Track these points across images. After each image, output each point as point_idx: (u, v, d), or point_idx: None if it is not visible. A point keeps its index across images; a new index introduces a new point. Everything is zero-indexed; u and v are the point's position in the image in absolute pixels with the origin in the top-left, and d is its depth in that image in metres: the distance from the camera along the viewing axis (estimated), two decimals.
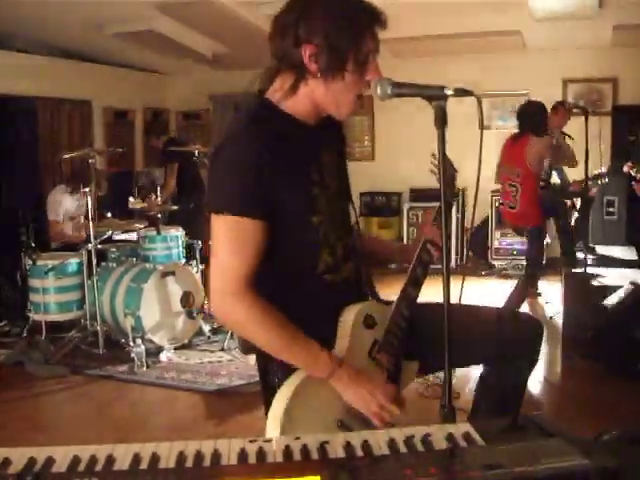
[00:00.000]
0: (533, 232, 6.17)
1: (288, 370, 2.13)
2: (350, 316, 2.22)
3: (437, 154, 1.89)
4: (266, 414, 2.13)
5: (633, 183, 7.24)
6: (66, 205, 6.69)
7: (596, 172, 6.98)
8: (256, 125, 2.08)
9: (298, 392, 2.07)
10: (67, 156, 6.15)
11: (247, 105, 2.25)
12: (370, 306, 2.29)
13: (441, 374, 1.91)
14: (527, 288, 6.37)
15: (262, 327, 2.07)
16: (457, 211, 8.92)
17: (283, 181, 2.05)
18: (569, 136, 6.50)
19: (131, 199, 6.68)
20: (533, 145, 5.93)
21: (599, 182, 7.18)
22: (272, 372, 2.23)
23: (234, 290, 2.04)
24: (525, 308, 6.52)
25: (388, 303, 2.37)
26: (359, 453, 1.43)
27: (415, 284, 2.31)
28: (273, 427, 2.02)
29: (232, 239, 2.03)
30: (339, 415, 2.10)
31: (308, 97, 2.12)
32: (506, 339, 2.34)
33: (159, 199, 6.48)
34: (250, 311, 2.05)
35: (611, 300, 5.05)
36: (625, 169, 7.81)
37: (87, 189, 5.86)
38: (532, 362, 2.42)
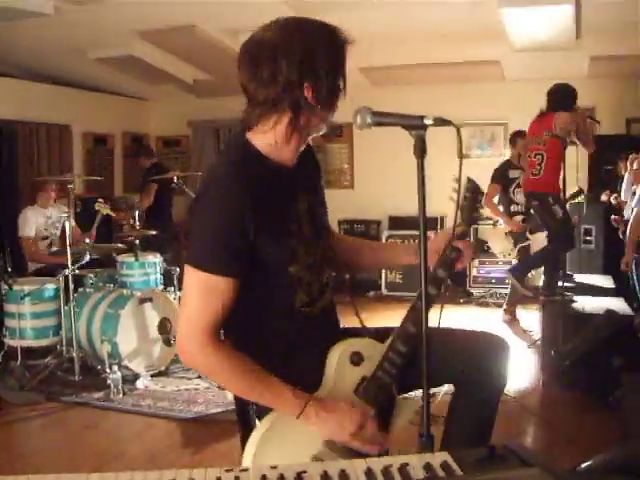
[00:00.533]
0: (555, 197, 6.19)
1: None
2: (335, 354, 2.22)
3: (458, 179, 1.92)
4: (242, 446, 2.14)
5: (612, 217, 7.32)
6: (36, 222, 6.68)
7: (573, 191, 7.07)
8: (240, 177, 2.06)
9: (274, 426, 2.08)
10: (40, 179, 6.15)
11: (230, 149, 2.25)
12: (357, 342, 2.27)
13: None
14: (551, 260, 6.36)
15: (228, 374, 2.08)
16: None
17: (264, 237, 2.05)
18: (596, 120, 6.56)
19: (97, 204, 6.55)
20: (560, 117, 6.03)
21: (578, 200, 7.27)
22: (248, 405, 2.24)
23: (200, 340, 2.04)
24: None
25: (378, 332, 2.37)
26: None
27: (416, 320, 2.21)
28: (248, 460, 2.04)
29: (203, 294, 2.04)
30: (315, 450, 2.09)
31: (303, 131, 2.15)
32: (472, 358, 2.35)
33: (137, 225, 6.44)
34: (215, 360, 2.05)
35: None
36: (603, 198, 7.89)
37: (56, 209, 5.84)
38: (500, 379, 2.41)
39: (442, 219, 8.93)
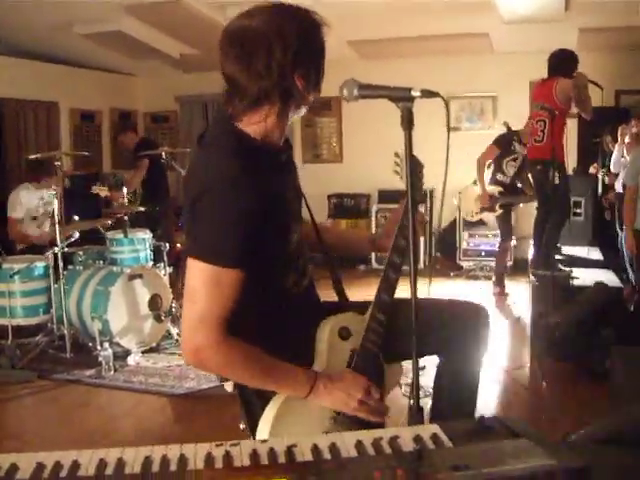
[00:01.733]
0: (556, 165, 6.20)
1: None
2: (325, 330, 2.27)
3: (400, 153, 1.91)
4: (249, 427, 2.22)
5: (604, 197, 7.33)
6: (28, 203, 6.60)
7: None
8: (244, 169, 2.02)
9: (284, 407, 2.12)
10: (33, 157, 6.10)
11: (223, 141, 2.15)
12: (344, 318, 2.31)
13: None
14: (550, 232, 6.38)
15: (241, 369, 2.09)
16: (425, 213, 8.94)
17: (271, 224, 2.04)
18: (598, 85, 6.55)
19: (94, 187, 6.55)
20: (561, 83, 6.03)
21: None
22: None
23: (212, 338, 2.01)
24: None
25: (360, 305, 2.39)
26: (327, 456, 1.42)
27: (388, 288, 2.31)
28: (264, 432, 2.09)
29: (210, 288, 2.00)
30: (323, 428, 2.16)
31: (286, 119, 2.16)
32: (452, 327, 2.40)
33: (126, 201, 6.42)
34: (227, 356, 2.04)
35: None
36: (591, 170, 7.89)
37: (52, 191, 5.80)
38: (481, 347, 2.44)
39: (431, 192, 8.90)
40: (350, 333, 2.28)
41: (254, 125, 2.11)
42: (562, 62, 6.10)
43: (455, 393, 2.44)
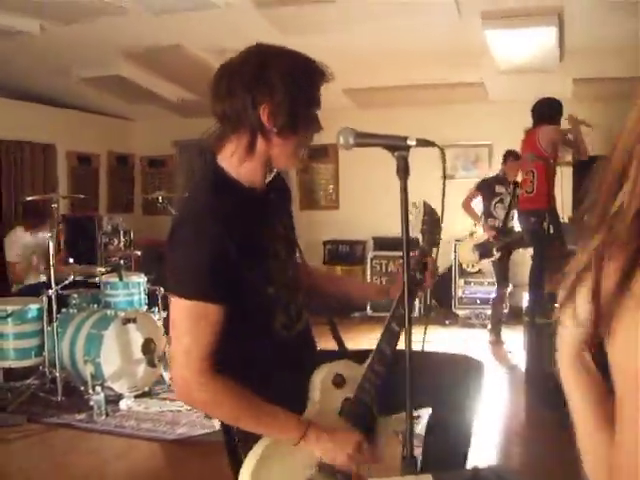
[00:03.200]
0: (551, 212, 6.22)
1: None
2: (319, 377, 2.25)
3: (418, 203, 1.93)
4: (232, 471, 2.17)
5: None
6: (23, 246, 6.62)
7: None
8: (215, 204, 2.08)
9: (265, 455, 2.09)
10: (30, 199, 6.11)
11: (203, 177, 2.25)
12: (339, 365, 2.30)
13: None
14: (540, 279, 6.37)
15: (229, 406, 2.08)
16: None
17: (244, 261, 2.06)
18: (587, 124, 6.58)
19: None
20: (543, 130, 6.08)
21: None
22: (233, 431, 2.23)
23: (198, 373, 2.03)
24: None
25: (357, 354, 2.38)
26: None
27: (390, 340, 2.29)
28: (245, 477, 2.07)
29: (192, 323, 2.03)
30: (307, 475, 2.12)
31: (262, 156, 2.15)
32: (446, 381, 2.39)
33: (121, 245, 6.43)
34: (216, 392, 2.05)
35: None
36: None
37: (48, 233, 5.81)
38: (474, 400, 2.43)
39: None
40: (344, 381, 2.26)
41: (228, 159, 2.16)
42: (546, 110, 6.18)
43: (445, 445, 2.41)
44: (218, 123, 2.16)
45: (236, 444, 2.21)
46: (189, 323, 2.03)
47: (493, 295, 7.87)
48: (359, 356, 2.36)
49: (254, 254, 2.11)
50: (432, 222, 2.36)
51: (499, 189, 7.49)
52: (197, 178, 2.25)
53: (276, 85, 2.05)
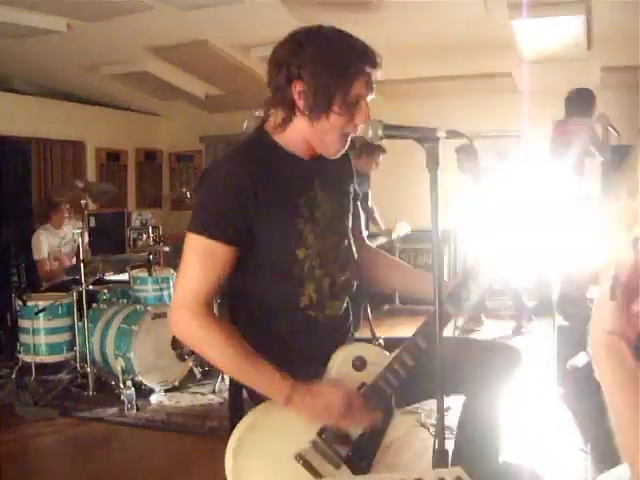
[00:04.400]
0: None
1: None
2: (338, 356, 2.19)
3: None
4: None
5: None
6: (49, 243, 6.69)
7: None
8: (245, 153, 2.16)
9: (256, 424, 2.08)
10: (56, 197, 6.17)
11: (247, 135, 2.30)
12: (362, 348, 2.24)
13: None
14: None
15: (217, 347, 2.07)
16: (448, 253, 8.90)
17: (266, 211, 2.08)
18: (616, 130, 6.50)
19: None
20: (575, 129, 6.04)
21: None
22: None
23: (193, 308, 2.06)
24: None
25: (387, 341, 2.34)
26: None
27: (427, 335, 2.15)
28: (228, 458, 2.07)
29: (199, 259, 2.08)
30: (299, 448, 2.07)
31: (297, 132, 2.14)
32: (483, 369, 2.32)
33: (150, 240, 6.46)
34: (206, 330, 2.06)
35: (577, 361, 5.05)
36: None
37: (77, 229, 5.85)
38: (509, 387, 2.38)
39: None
40: (365, 365, 2.19)
41: (272, 126, 2.18)
42: (579, 102, 6.10)
43: (477, 435, 2.34)
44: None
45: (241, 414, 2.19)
46: (196, 258, 2.08)
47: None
48: (389, 344, 2.30)
49: (280, 210, 2.12)
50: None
51: None
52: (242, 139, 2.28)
53: (307, 64, 2.04)
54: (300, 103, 2.07)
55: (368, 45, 2.12)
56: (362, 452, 2.12)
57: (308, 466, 2.04)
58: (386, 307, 9.11)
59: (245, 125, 2.13)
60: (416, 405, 2.33)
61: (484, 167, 7.55)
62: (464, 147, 7.33)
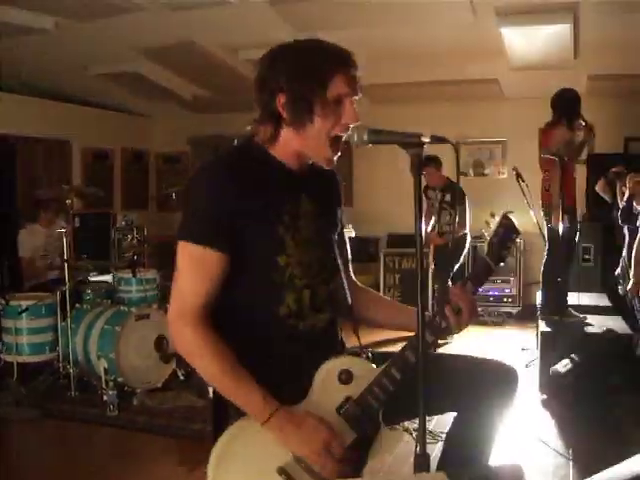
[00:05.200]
0: (569, 210, 6.17)
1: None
2: (323, 369, 2.15)
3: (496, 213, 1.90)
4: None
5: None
6: (35, 241, 6.67)
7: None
8: (232, 159, 2.18)
9: (238, 436, 2.07)
10: (44, 196, 6.15)
11: (234, 145, 2.32)
12: (349, 361, 2.20)
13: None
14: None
15: (208, 360, 2.07)
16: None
17: (248, 216, 2.08)
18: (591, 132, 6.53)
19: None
20: (555, 134, 6.05)
21: None
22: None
23: (188, 318, 2.07)
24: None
25: (374, 355, 2.32)
26: None
27: (416, 349, 2.07)
28: (210, 467, 2.05)
29: (192, 267, 2.09)
30: (281, 461, 2.04)
31: (287, 145, 2.15)
32: (476, 388, 2.29)
33: (135, 241, 6.45)
34: (199, 342, 2.06)
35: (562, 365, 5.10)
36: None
37: (61, 229, 5.83)
38: (504, 409, 2.33)
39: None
40: (351, 379, 2.14)
41: (263, 141, 2.18)
42: (565, 103, 6.11)
43: (469, 450, 2.31)
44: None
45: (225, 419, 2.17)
46: (187, 266, 2.10)
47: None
48: (377, 357, 2.26)
49: (262, 217, 2.11)
50: (505, 237, 2.19)
51: (430, 194, 7.82)
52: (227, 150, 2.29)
53: (283, 75, 2.07)
54: (284, 114, 2.09)
55: (341, 47, 2.13)
56: (347, 465, 2.08)
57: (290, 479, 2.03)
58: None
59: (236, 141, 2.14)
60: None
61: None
62: (430, 160, 7.39)
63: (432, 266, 7.92)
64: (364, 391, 2.13)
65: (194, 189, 2.14)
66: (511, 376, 2.38)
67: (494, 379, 2.34)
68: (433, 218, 7.83)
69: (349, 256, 2.51)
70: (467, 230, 7.59)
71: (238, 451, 2.05)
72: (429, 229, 7.88)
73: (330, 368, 2.16)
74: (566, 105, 6.07)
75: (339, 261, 2.35)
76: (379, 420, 2.16)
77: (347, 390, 2.14)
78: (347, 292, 2.37)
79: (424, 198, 7.52)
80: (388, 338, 5.49)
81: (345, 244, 2.49)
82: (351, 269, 2.54)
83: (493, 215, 2.06)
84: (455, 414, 2.39)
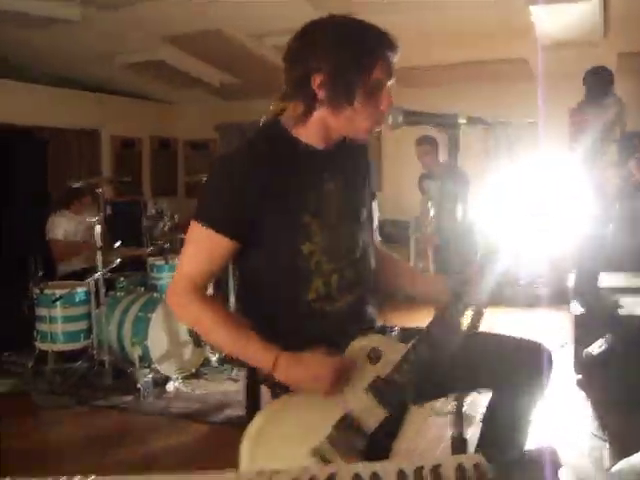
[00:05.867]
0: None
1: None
2: (353, 347, 2.16)
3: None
4: None
5: None
6: (65, 226, 6.69)
7: None
8: (257, 146, 2.15)
9: (270, 418, 2.07)
10: (75, 185, 6.19)
11: (260, 126, 2.27)
12: (377, 340, 2.20)
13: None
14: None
15: (208, 323, 2.12)
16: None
17: (272, 205, 2.07)
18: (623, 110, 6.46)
19: None
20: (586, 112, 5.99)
21: None
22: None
23: (187, 290, 2.12)
24: None
25: (403, 331, 2.33)
26: None
27: (446, 325, 2.12)
28: (243, 451, 2.07)
29: (199, 247, 2.13)
30: (314, 443, 2.04)
31: (319, 124, 2.12)
32: (511, 366, 2.28)
33: (166, 228, 6.48)
34: (197, 307, 2.11)
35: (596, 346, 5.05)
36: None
37: (93, 217, 5.87)
38: (540, 388, 2.31)
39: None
40: (380, 357, 2.15)
41: (290, 119, 2.16)
42: (598, 81, 6.04)
43: (502, 432, 2.29)
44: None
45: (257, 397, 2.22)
46: (195, 245, 2.14)
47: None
48: (406, 334, 2.28)
49: (285, 204, 2.10)
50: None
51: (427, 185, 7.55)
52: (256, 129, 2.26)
53: (325, 55, 2.02)
54: (321, 95, 2.05)
55: (384, 29, 2.09)
56: (378, 445, 2.09)
57: (324, 460, 2.03)
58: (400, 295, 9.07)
59: (262, 120, 2.11)
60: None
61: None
62: (425, 138, 7.13)
63: (431, 270, 7.62)
64: (393, 369, 2.12)
65: (218, 174, 2.15)
66: (544, 356, 2.36)
67: (527, 359, 2.33)
68: (431, 212, 7.48)
69: (376, 222, 2.51)
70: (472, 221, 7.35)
71: (271, 433, 2.05)
72: (427, 229, 7.55)
73: (359, 347, 2.17)
74: (597, 83, 6.00)
75: (366, 235, 2.34)
76: (408, 398, 2.15)
77: (376, 369, 2.15)
78: (373, 265, 2.37)
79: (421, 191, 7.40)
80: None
81: (371, 214, 2.45)
82: (377, 234, 2.54)
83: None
84: (490, 396, 2.38)
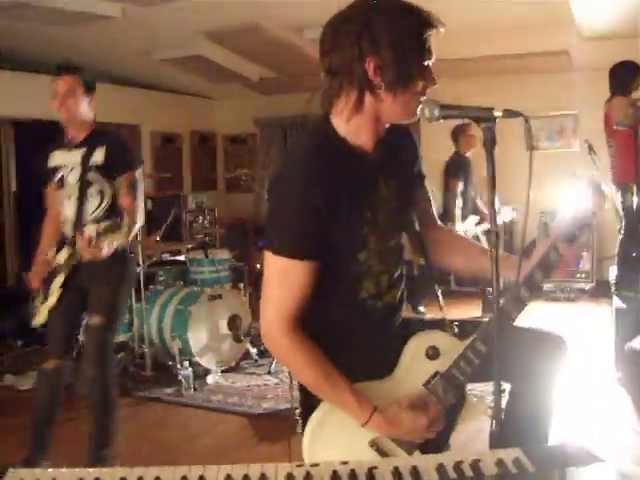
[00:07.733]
0: (630, 187, 6.07)
1: None
2: (413, 344, 2.19)
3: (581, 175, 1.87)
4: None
5: None
6: None
7: None
8: (316, 157, 2.06)
9: (331, 411, 2.08)
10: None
11: (311, 132, 2.24)
12: (436, 336, 2.22)
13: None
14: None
15: (300, 366, 2.09)
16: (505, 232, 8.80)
17: (338, 223, 2.04)
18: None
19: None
20: (615, 103, 6.00)
21: None
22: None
23: (282, 327, 2.05)
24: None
25: (459, 325, 2.34)
26: (408, 479, 1.41)
27: (500, 319, 2.06)
28: (305, 440, 2.07)
29: (278, 278, 2.06)
30: (373, 435, 2.07)
31: (370, 115, 2.08)
32: (526, 357, 2.26)
33: (206, 222, 6.53)
34: (290, 349, 2.06)
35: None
36: None
37: None
38: (554, 378, 2.30)
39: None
40: (438, 354, 2.17)
41: (339, 115, 2.10)
42: (619, 77, 5.98)
43: (523, 423, 2.28)
44: (327, 79, 2.08)
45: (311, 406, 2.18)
46: (276, 278, 2.07)
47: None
48: (460, 328, 2.29)
49: (348, 218, 2.07)
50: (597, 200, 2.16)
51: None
52: (303, 137, 2.24)
53: (382, 38, 1.96)
54: (377, 79, 2.00)
55: (428, 10, 2.06)
56: (435, 438, 2.11)
57: (382, 452, 2.05)
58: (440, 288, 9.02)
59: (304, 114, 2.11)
60: (469, 387, 2.26)
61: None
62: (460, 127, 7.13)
63: None
64: (451, 365, 2.14)
65: (281, 193, 2.09)
66: (557, 343, 2.35)
67: (540, 347, 2.32)
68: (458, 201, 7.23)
69: (433, 206, 2.49)
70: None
71: (331, 425, 2.08)
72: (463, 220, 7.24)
73: (417, 344, 2.19)
74: (623, 76, 5.95)
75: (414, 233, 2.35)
76: (465, 393, 2.19)
77: (434, 365, 2.17)
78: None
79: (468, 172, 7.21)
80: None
81: (428, 197, 2.47)
82: (436, 217, 2.52)
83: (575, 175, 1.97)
84: (509, 390, 2.38)
